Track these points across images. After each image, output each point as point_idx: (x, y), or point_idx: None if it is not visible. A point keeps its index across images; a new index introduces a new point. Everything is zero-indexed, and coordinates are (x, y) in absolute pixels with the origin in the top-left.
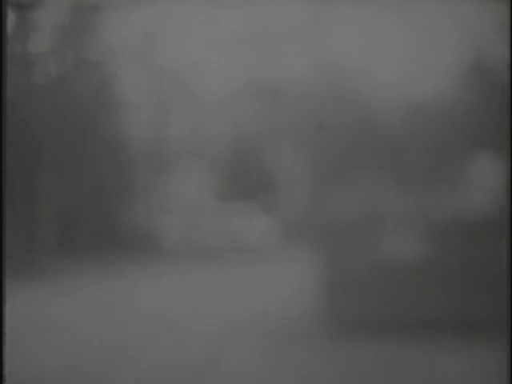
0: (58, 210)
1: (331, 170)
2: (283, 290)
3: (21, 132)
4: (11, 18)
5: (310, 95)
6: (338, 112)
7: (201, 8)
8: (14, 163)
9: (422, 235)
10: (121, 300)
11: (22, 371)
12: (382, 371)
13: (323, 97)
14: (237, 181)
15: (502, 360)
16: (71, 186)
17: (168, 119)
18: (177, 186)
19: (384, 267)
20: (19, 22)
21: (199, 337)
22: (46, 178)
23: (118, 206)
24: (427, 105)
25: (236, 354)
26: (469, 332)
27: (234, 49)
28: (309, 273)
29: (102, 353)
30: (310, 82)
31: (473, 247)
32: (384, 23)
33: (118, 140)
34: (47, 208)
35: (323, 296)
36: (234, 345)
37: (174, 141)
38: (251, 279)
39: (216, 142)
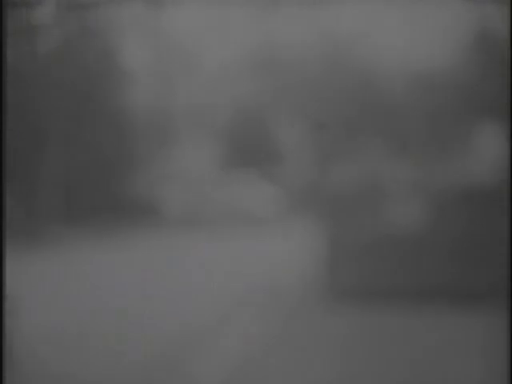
0: (61, 179)
1: (333, 138)
2: (286, 260)
3: (23, 104)
4: None
5: (311, 64)
6: (341, 82)
7: None
8: (16, 135)
9: (425, 204)
10: (123, 266)
11: (23, 331)
12: (382, 337)
13: (326, 68)
14: (240, 149)
15: (500, 325)
16: (74, 155)
17: (171, 89)
18: (180, 155)
19: (387, 236)
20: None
21: (202, 303)
22: (48, 148)
23: (121, 176)
24: (429, 73)
25: (239, 319)
26: (468, 300)
27: (236, 17)
28: (311, 242)
29: (103, 316)
30: (312, 51)
31: (475, 216)
32: None
33: (121, 110)
34: (50, 177)
35: (327, 264)
36: (236, 311)
37: (177, 110)
38: (253, 248)
39: (219, 110)
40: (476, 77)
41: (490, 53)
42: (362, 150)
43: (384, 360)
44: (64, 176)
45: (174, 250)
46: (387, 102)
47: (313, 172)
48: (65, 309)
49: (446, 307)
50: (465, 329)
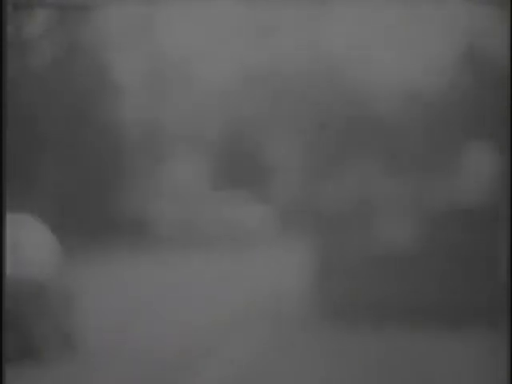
0: (52, 194)
1: (327, 158)
2: (277, 279)
3: (19, 119)
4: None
5: (306, 84)
6: (333, 101)
7: None
8: (13, 154)
9: (416, 222)
10: (116, 285)
11: None
12: (370, 356)
13: (320, 86)
14: (232, 167)
15: (494, 342)
16: (67, 171)
17: (165, 105)
18: (172, 172)
19: (378, 254)
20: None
21: (196, 321)
22: (43, 163)
23: (113, 192)
24: (423, 92)
25: (232, 337)
26: (460, 318)
27: (233, 35)
28: (302, 260)
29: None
30: (307, 70)
31: (467, 234)
32: (381, 11)
33: (115, 126)
34: (44, 192)
35: (317, 282)
36: (229, 328)
37: (171, 127)
38: (244, 266)
39: (212, 129)
40: (467, 95)
41: (484, 70)
42: (354, 167)
43: (371, 378)
44: (55, 191)
45: (164, 267)
46: (380, 118)
47: (304, 190)
48: None
49: (435, 325)
50: (457, 347)
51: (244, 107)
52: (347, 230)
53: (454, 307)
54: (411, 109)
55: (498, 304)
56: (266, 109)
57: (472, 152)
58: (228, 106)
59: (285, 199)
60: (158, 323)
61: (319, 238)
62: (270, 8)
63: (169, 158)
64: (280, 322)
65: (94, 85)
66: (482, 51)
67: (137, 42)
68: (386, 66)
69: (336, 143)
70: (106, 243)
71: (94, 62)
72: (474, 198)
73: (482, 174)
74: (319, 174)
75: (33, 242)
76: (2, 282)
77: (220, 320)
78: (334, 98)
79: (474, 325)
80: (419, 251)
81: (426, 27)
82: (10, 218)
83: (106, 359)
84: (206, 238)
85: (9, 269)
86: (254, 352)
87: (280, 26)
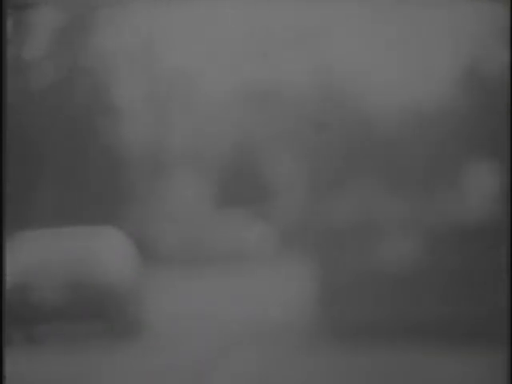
0: (50, 216)
1: (328, 176)
2: (279, 298)
3: (18, 140)
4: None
5: (309, 102)
6: (335, 118)
7: (200, 11)
8: (12, 176)
9: (417, 241)
10: None
11: None
12: (372, 372)
13: (321, 103)
14: (234, 186)
15: (493, 360)
16: (63, 193)
17: (167, 125)
18: (175, 193)
19: (379, 272)
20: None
21: (198, 340)
22: (42, 186)
23: (116, 212)
24: (424, 111)
25: (231, 355)
26: (460, 339)
27: (234, 52)
28: (304, 280)
29: None
30: (310, 89)
31: (467, 252)
32: (381, 27)
33: (117, 146)
34: (43, 213)
35: (319, 302)
36: (228, 346)
37: (173, 147)
38: (247, 285)
39: (214, 147)
40: (468, 114)
41: (485, 91)
42: (355, 186)
43: None
44: (54, 213)
45: (163, 284)
46: (382, 136)
47: (305, 210)
48: None
49: (434, 345)
50: (456, 367)
51: (245, 126)
52: (348, 248)
53: (454, 326)
54: (412, 127)
55: (498, 323)
56: (268, 128)
57: (472, 170)
58: (229, 124)
59: (286, 218)
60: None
61: (320, 257)
62: (270, 26)
63: (169, 177)
64: (280, 341)
65: (93, 105)
66: (483, 72)
67: (136, 61)
68: (387, 84)
69: (338, 162)
70: None
71: (93, 82)
72: (474, 217)
73: (483, 193)
74: (321, 192)
75: (114, 250)
76: (1, 282)
77: (219, 338)
78: (335, 116)
79: (473, 344)
80: (420, 270)
81: (427, 43)
82: (92, 230)
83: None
84: (206, 257)
85: (96, 274)
86: (254, 370)
87: (281, 44)
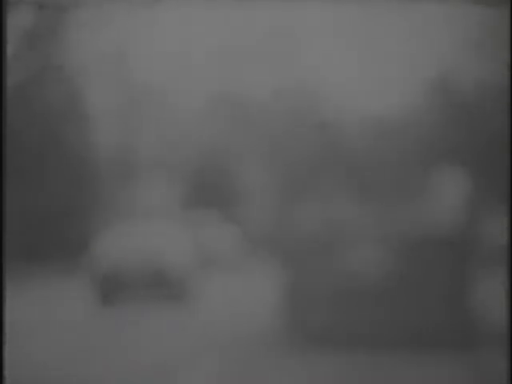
0: (19, 221)
1: (296, 184)
2: (245, 300)
3: None
4: None
5: (281, 111)
6: (302, 127)
7: (174, 22)
8: None
9: (387, 252)
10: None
11: None
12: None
13: (288, 112)
14: (204, 191)
15: (467, 366)
16: (33, 197)
17: (137, 130)
18: (143, 196)
19: (348, 280)
20: None
21: (161, 346)
22: (11, 188)
23: (84, 216)
24: (391, 119)
25: (196, 363)
26: (433, 350)
27: (204, 63)
28: (271, 283)
29: None
30: (282, 98)
31: (437, 264)
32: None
33: (86, 150)
34: (12, 217)
35: (286, 308)
36: (197, 353)
37: (143, 151)
38: (212, 288)
39: (184, 154)
40: (436, 123)
41: (456, 102)
42: (324, 195)
43: None
44: (23, 218)
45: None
46: (350, 148)
47: (274, 219)
48: None
49: (408, 358)
50: (429, 380)
51: (217, 132)
52: (315, 257)
53: (421, 335)
54: (383, 138)
55: (469, 330)
56: (239, 135)
57: (442, 180)
58: (200, 130)
59: (255, 222)
60: (125, 349)
61: (289, 263)
62: (245, 38)
63: (140, 181)
64: (246, 348)
65: (66, 110)
66: (451, 84)
67: (110, 69)
68: (360, 95)
69: (308, 169)
70: (65, 266)
71: (67, 87)
72: (445, 228)
73: (453, 203)
74: (290, 198)
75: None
76: (2, 286)
77: (184, 343)
78: (306, 123)
79: (445, 352)
80: (390, 281)
81: (395, 54)
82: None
83: None
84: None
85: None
86: (216, 380)
87: (255, 55)
